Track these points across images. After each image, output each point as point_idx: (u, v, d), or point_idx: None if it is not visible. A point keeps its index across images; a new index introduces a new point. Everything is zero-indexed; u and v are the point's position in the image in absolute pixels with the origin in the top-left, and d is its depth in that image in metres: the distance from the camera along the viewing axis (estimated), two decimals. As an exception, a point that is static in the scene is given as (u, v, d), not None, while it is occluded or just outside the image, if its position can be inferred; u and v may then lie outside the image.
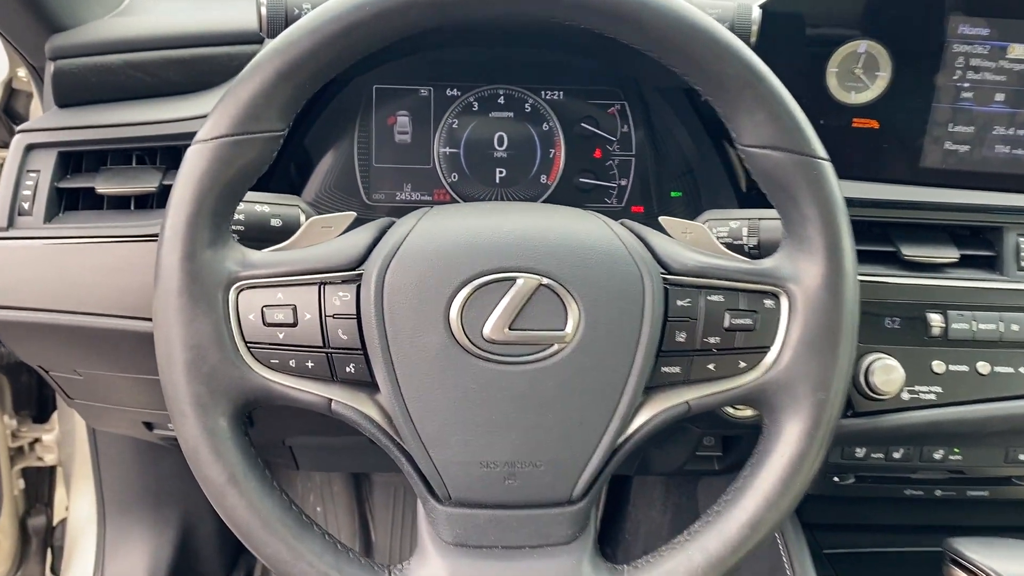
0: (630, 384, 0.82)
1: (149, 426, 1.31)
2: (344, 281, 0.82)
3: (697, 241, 0.93)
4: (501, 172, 1.24)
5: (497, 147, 1.23)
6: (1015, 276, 1.15)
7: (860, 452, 1.20)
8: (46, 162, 1.09)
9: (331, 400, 0.83)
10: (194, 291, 0.80)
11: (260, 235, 0.97)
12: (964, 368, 1.13)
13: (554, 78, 1.24)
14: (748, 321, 0.84)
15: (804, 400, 0.83)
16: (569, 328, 0.81)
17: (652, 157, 1.25)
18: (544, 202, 1.24)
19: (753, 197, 1.17)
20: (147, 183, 1.08)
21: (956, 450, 1.22)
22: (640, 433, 0.84)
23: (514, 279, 0.80)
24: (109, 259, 1.06)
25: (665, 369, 0.84)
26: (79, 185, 1.09)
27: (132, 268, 1.05)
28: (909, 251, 1.13)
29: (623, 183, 1.25)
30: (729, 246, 1.01)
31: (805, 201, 0.82)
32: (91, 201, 1.10)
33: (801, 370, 0.83)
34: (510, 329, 0.80)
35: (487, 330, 0.80)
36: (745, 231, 1.01)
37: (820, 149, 0.82)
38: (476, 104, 1.23)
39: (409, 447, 0.82)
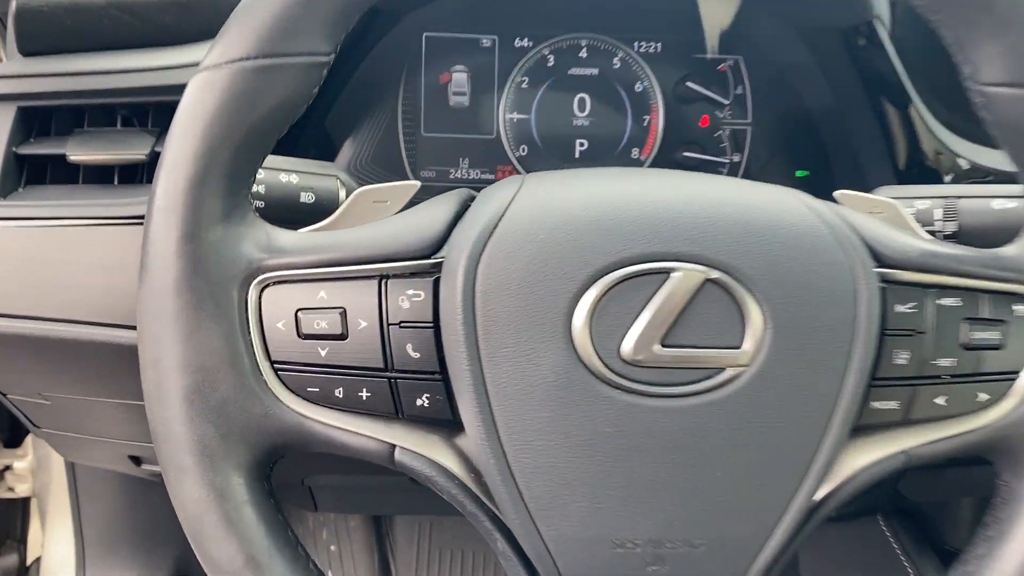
0: (833, 426, 0.56)
1: (136, 461, 1.05)
2: (415, 274, 0.57)
3: (891, 224, 0.67)
4: (582, 144, 0.99)
5: (577, 113, 0.98)
6: None
7: None
8: (2, 121, 0.83)
9: (394, 447, 0.57)
10: (197, 287, 0.55)
11: (284, 215, 0.70)
12: None
13: (650, 26, 0.99)
14: (994, 335, 0.59)
15: None
16: (749, 345, 0.55)
17: (773, 125, 0.99)
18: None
19: (914, 176, 0.91)
20: (135, 150, 0.83)
21: None
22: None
23: (668, 272, 0.54)
24: (84, 247, 0.81)
25: (877, 404, 0.58)
26: (46, 151, 0.85)
27: (114, 260, 0.80)
28: None
29: (736, 159, 1.00)
30: (915, 234, 0.74)
31: None
32: (62, 172, 0.85)
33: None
34: (662, 346, 0.54)
35: (627, 347, 0.54)
36: (939, 214, 0.75)
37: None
38: (552, 58, 0.99)
39: (507, 516, 0.56)
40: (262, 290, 0.57)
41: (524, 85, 0.98)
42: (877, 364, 0.58)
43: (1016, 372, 0.60)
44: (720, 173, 1.00)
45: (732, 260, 0.55)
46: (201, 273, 0.55)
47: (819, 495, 0.58)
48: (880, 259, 0.59)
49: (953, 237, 0.75)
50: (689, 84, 0.98)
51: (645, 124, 0.99)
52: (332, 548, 1.72)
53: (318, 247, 0.58)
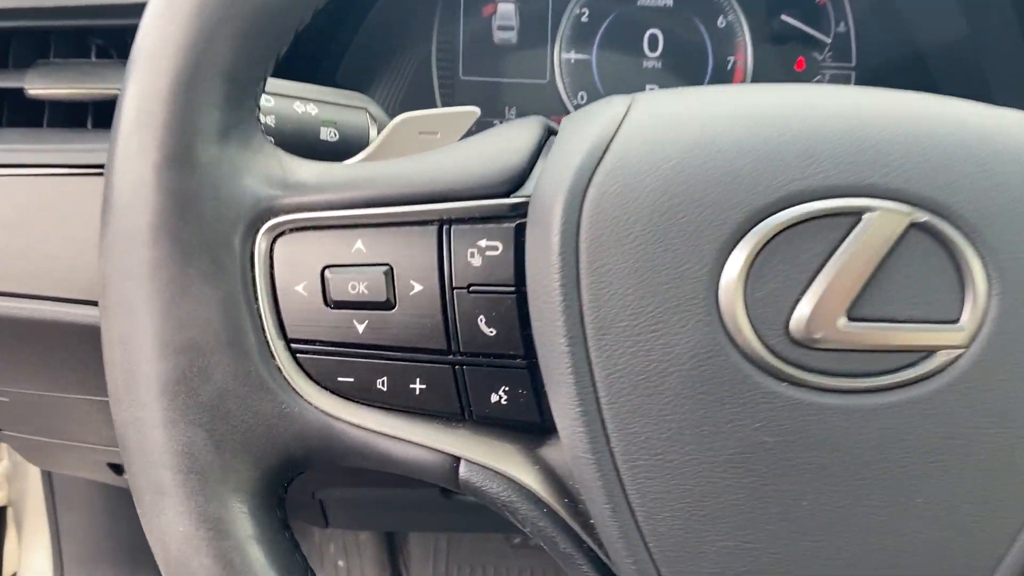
0: None
1: (117, 469, 0.88)
2: (491, 218, 0.40)
3: None
4: (652, 90, 0.82)
5: (648, 52, 0.82)
6: None
7: None
8: (-56, 47, 0.67)
9: (458, 460, 0.41)
10: (183, 233, 0.39)
11: (301, 154, 0.53)
12: None
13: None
14: None
15: None
16: (969, 318, 0.38)
17: (886, 69, 0.82)
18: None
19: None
20: (111, 83, 0.66)
21: None
22: None
23: (859, 213, 0.38)
24: (47, 203, 0.65)
25: None
26: (1, 85, 0.67)
27: (84, 219, 0.62)
28: None
29: (835, 110, 0.82)
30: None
31: None
32: (22, 112, 0.69)
33: None
34: (849, 320, 0.38)
35: (799, 321, 0.38)
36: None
37: None
38: (618, -14, 0.81)
39: (617, 561, 0.40)
40: (275, 239, 0.41)
41: (584, 19, 0.82)
42: None
43: None
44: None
45: (947, 197, 0.39)
46: (189, 214, 0.39)
47: None
48: None
49: None
50: (783, 18, 0.81)
51: (729, 67, 0.83)
52: (340, 563, 1.55)
53: (353, 181, 0.42)
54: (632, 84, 0.82)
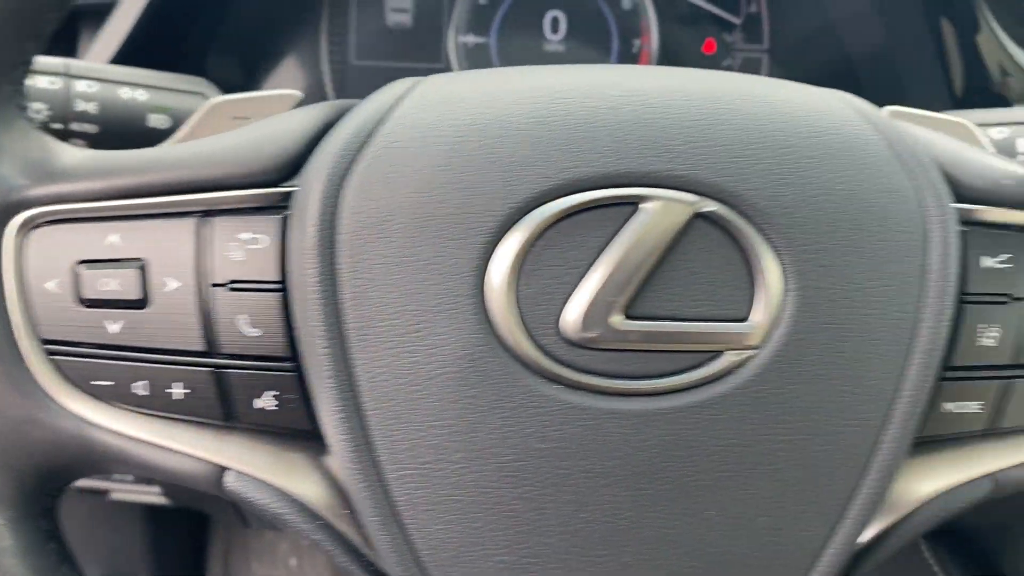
0: (887, 438, 0.37)
1: None
2: (255, 209, 0.38)
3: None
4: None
5: (550, 35, 0.78)
6: None
7: None
8: None
9: (223, 469, 0.38)
10: None
11: (125, 146, 0.51)
12: None
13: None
14: None
15: None
16: (760, 315, 0.36)
17: (799, 52, 0.79)
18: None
19: (975, 106, 0.70)
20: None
21: None
22: (897, 537, 0.40)
23: (636, 203, 0.35)
24: None
25: (951, 406, 0.39)
26: None
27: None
28: None
29: (746, 95, 0.79)
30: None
31: None
32: None
33: None
34: (627, 317, 0.35)
35: (572, 319, 0.35)
36: (1021, 144, 0.55)
37: None
38: (517, -34, 0.78)
39: (392, 571, 0.37)
40: (28, 232, 0.38)
41: (482, 1, 0.78)
42: (953, 346, 0.38)
43: None
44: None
45: (736, 185, 0.36)
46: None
47: (866, 536, 0.39)
48: (960, 190, 0.39)
49: (1044, 175, 0.55)
50: (690, -1, 0.78)
51: (635, 50, 0.79)
52: (292, 562, 1.53)
53: (116, 169, 0.39)
54: (533, 68, 0.79)
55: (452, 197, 0.35)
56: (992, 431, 0.40)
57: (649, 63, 0.79)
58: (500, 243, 0.35)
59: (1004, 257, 0.39)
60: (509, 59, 0.79)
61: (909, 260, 0.37)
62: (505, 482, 0.36)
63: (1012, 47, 0.69)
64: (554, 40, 0.79)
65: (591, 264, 0.35)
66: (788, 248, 0.36)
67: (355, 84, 0.79)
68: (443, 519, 0.37)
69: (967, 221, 0.39)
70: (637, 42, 0.79)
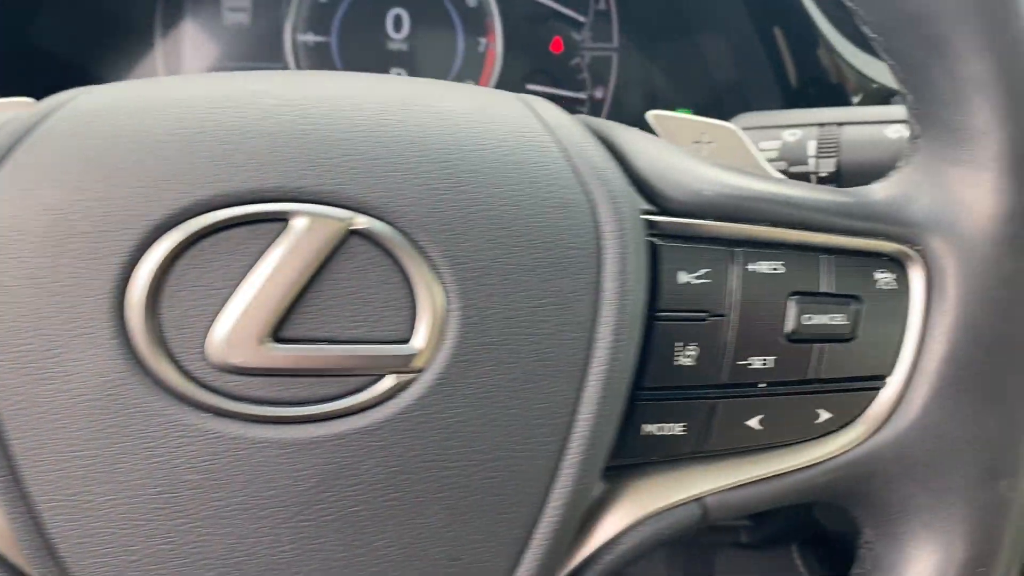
0: (567, 465, 0.35)
1: None
2: None
3: (723, 157, 0.46)
4: (399, 75, 0.77)
5: (393, 34, 0.76)
6: None
7: None
8: None
9: None
10: None
11: None
12: None
13: (485, -78, 0.77)
14: (840, 319, 0.37)
15: (964, 499, 0.37)
16: (422, 338, 0.33)
17: (644, 52, 0.77)
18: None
19: (810, 99, 0.69)
20: None
21: None
22: (599, 567, 0.37)
23: (285, 218, 0.33)
24: None
25: (652, 428, 0.37)
26: None
27: None
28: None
29: (598, 94, 0.78)
30: (784, 175, 0.53)
31: (970, 49, 0.35)
32: None
33: (958, 429, 0.37)
34: (277, 341, 0.33)
35: (218, 342, 0.33)
36: (812, 147, 0.53)
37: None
38: (358, -36, 0.76)
39: None
40: None
41: (322, -1, 0.76)
42: (645, 366, 0.36)
43: (877, 378, 0.38)
44: (578, 111, 0.78)
45: (390, 200, 0.34)
46: None
47: (566, 567, 0.37)
48: (660, 201, 0.37)
49: (834, 179, 0.53)
50: (534, -3, 0.76)
51: (481, 49, 0.77)
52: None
53: None
54: (376, 68, 0.77)
55: (89, 217, 0.33)
56: (697, 453, 0.38)
57: (495, 62, 0.77)
58: (140, 262, 0.33)
59: (702, 272, 0.37)
60: (351, 58, 0.77)
61: (581, 276, 0.35)
62: (157, 515, 0.34)
63: (844, 47, 0.67)
64: (397, 39, 0.77)
65: (237, 284, 0.33)
66: (449, 266, 0.34)
67: (191, 85, 0.77)
68: (98, 552, 0.35)
69: (662, 233, 0.37)
70: (483, 40, 0.77)
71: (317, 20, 0.76)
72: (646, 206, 0.38)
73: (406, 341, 0.34)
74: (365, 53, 0.77)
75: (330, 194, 0.34)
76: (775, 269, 0.37)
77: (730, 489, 0.38)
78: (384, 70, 0.77)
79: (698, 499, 0.38)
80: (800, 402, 0.38)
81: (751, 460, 0.38)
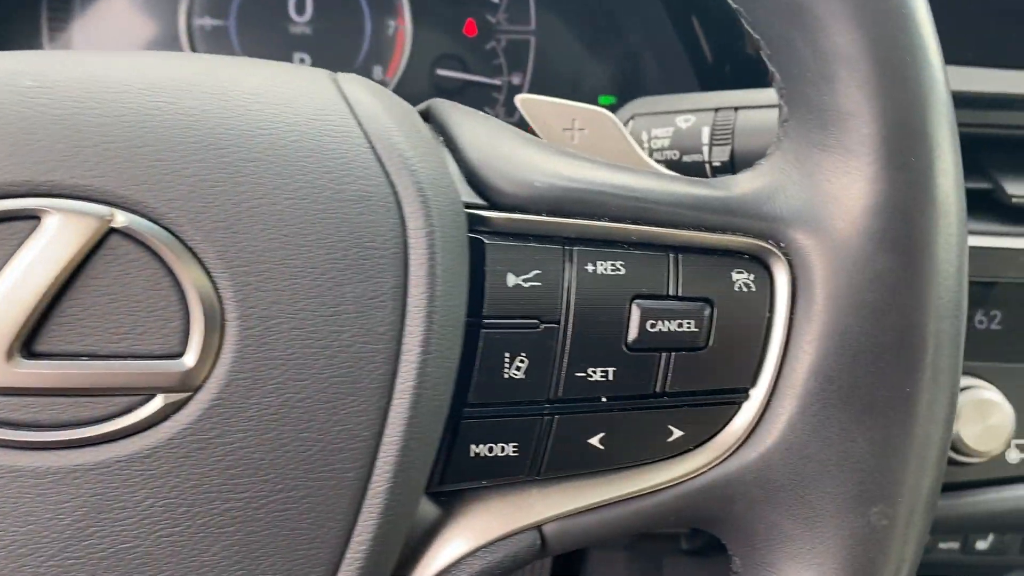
0: (373, 493, 0.31)
1: None
2: None
3: (595, 146, 0.42)
4: (303, 60, 0.73)
5: (295, 16, 0.72)
6: None
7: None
8: None
9: None
10: None
11: None
12: (1125, 403, 0.62)
13: None
14: (690, 326, 0.33)
15: (834, 527, 0.33)
16: (195, 353, 0.29)
17: (564, 35, 0.73)
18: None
19: (725, 79, 0.65)
20: None
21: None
22: None
23: (36, 216, 0.29)
24: None
25: (481, 449, 0.33)
26: None
27: None
28: (1019, 188, 0.62)
29: (515, 80, 0.73)
30: (673, 164, 0.49)
31: (834, 18, 0.31)
32: None
33: (825, 448, 0.32)
34: (28, 356, 0.29)
35: None
36: (706, 133, 0.49)
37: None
38: (258, -58, 0.72)
39: None
40: None
41: (220, -21, 0.72)
42: (470, 379, 0.32)
43: (736, 392, 0.34)
44: (493, 98, 0.74)
45: (155, 193, 0.29)
46: None
47: None
48: (490, 194, 0.33)
49: (728, 167, 0.49)
50: (442, -25, 0.72)
51: (390, 32, 0.73)
52: None
53: None
54: (278, 53, 0.72)
55: None
56: (534, 474, 0.34)
57: (405, 46, 0.72)
58: None
59: (533, 273, 0.33)
60: (251, 43, 0.72)
61: (384, 280, 0.30)
62: None
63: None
64: (300, 22, 0.72)
65: None
66: (225, 269, 0.30)
67: (80, 72, 0.72)
68: None
69: (495, 231, 0.33)
70: (392, 23, 0.73)
71: (215, 3, 0.72)
72: (474, 199, 0.33)
73: (178, 356, 0.30)
74: (266, 37, 0.72)
75: (86, 188, 0.29)
76: (615, 270, 0.33)
77: (572, 515, 0.34)
78: (287, 56, 0.72)
79: (534, 527, 0.34)
80: (647, 418, 0.34)
81: (594, 483, 0.34)
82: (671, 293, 0.33)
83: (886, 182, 0.32)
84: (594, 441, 0.34)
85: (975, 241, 0.62)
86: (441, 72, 0.73)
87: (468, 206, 0.33)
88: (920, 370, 0.33)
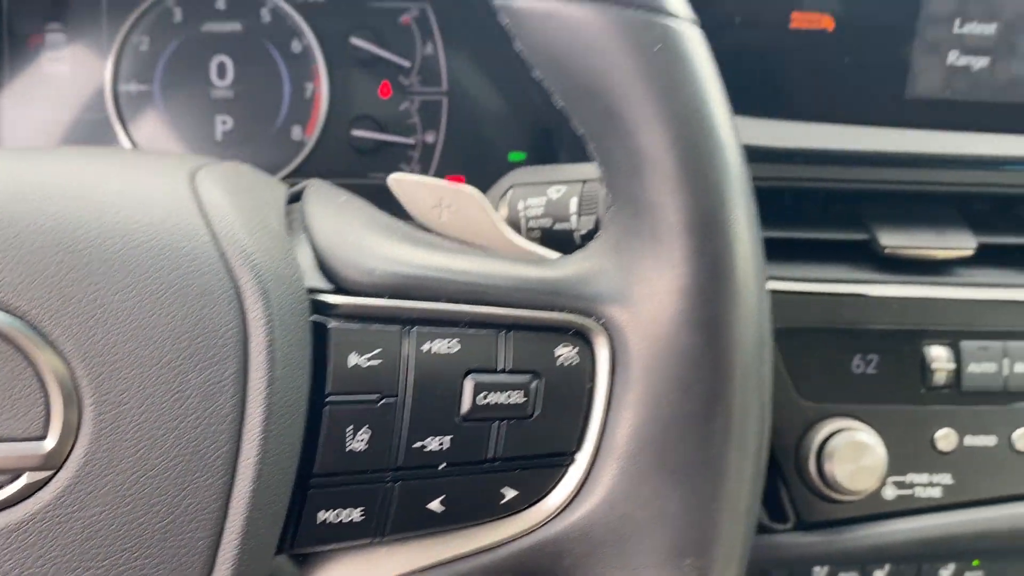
0: (222, 561, 0.34)
1: None
2: None
3: (461, 222, 0.45)
4: (225, 123, 0.76)
5: (217, 81, 0.75)
6: (1074, 280, 0.67)
7: (820, 573, 0.71)
8: None
9: None
10: None
11: None
12: (989, 441, 0.65)
13: (309, -33, 0.76)
14: (518, 397, 0.36)
15: None
16: (55, 435, 0.32)
17: (475, 95, 0.77)
18: (297, 170, 0.76)
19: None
20: None
21: (975, 563, 0.74)
22: None
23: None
24: None
25: (328, 515, 0.36)
26: None
27: None
28: (892, 239, 0.66)
29: (429, 138, 0.77)
30: (546, 232, 0.53)
31: (640, 122, 0.35)
32: None
33: (642, 507, 0.36)
34: None
35: None
36: (574, 204, 0.53)
37: (677, 0, 0.36)
38: (179, 10, 0.75)
39: None
40: None
41: (143, 47, 0.75)
42: (314, 452, 0.35)
43: (564, 455, 0.38)
44: (409, 156, 0.78)
45: (18, 292, 0.33)
46: None
47: None
48: (337, 280, 0.37)
49: (591, 237, 0.53)
50: (357, 41, 0.76)
51: (308, 95, 0.76)
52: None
53: None
54: (201, 116, 0.76)
55: None
56: (377, 535, 0.37)
57: (321, 108, 0.76)
58: None
59: (374, 353, 0.36)
60: (175, 107, 0.76)
61: (226, 368, 0.34)
62: None
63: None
64: (221, 86, 0.76)
65: None
66: (82, 360, 0.33)
67: (9, 135, 0.75)
68: None
69: (341, 314, 0.36)
70: (310, 86, 0.76)
71: (139, 69, 0.75)
72: (320, 285, 0.37)
73: (41, 438, 0.33)
74: (189, 101, 0.76)
75: None
76: (450, 348, 0.36)
77: (416, 573, 0.38)
78: (210, 118, 0.76)
79: None
80: (482, 481, 0.37)
81: (436, 542, 0.38)
82: (501, 368, 0.37)
83: (688, 267, 0.36)
84: (434, 505, 0.37)
85: (852, 289, 0.66)
86: (356, 132, 0.76)
87: (315, 291, 0.36)
88: (727, 436, 0.36)
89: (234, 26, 0.76)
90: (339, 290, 0.37)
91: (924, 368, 0.65)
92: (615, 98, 0.36)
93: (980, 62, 0.67)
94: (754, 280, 0.37)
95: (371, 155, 0.78)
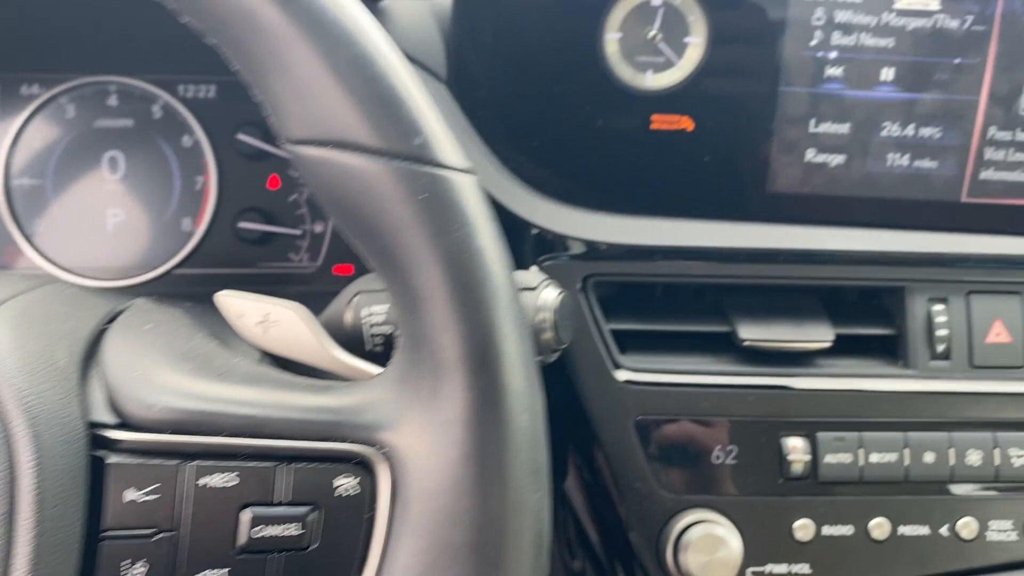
0: None
1: None
2: None
3: (285, 338, 0.47)
4: (116, 215, 0.78)
5: (109, 174, 0.77)
6: (926, 369, 0.69)
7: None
8: None
9: None
10: None
11: None
12: (846, 531, 0.67)
13: (200, 64, 0.79)
14: (294, 529, 0.38)
15: None
16: None
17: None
18: (186, 260, 0.78)
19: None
20: None
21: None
22: None
23: None
24: None
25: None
26: None
27: None
28: (750, 332, 0.67)
29: (317, 229, 0.79)
30: (388, 339, 0.55)
31: (411, 263, 0.37)
32: None
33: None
34: None
35: None
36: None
37: (446, 151, 0.38)
38: (72, 106, 0.77)
39: None
40: None
41: (36, 143, 0.77)
42: None
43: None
44: (297, 246, 0.80)
45: None
46: None
47: None
48: (123, 415, 0.38)
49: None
50: (244, 136, 0.78)
51: (198, 187, 0.78)
52: None
53: None
54: (92, 208, 0.78)
55: None
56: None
57: (210, 200, 0.78)
58: None
59: (151, 488, 0.37)
60: (67, 200, 0.77)
61: None
62: None
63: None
64: (113, 179, 0.78)
65: None
66: None
67: (-99, 231, 0.77)
68: None
69: (122, 449, 0.38)
70: (200, 179, 0.78)
71: (32, 164, 0.77)
72: (105, 420, 0.38)
73: None
74: (81, 195, 0.78)
75: None
76: (226, 482, 0.38)
77: None
78: (101, 211, 0.78)
79: None
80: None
81: None
82: (278, 500, 0.38)
83: (460, 399, 0.38)
84: None
85: (712, 380, 0.68)
86: (242, 224, 0.78)
87: (98, 425, 0.38)
88: (499, 566, 0.38)
89: (126, 122, 0.78)
90: (123, 424, 0.38)
91: (782, 459, 0.67)
92: (389, 241, 0.38)
93: (836, 159, 0.70)
94: (526, 411, 0.38)
95: (260, 245, 0.79)
